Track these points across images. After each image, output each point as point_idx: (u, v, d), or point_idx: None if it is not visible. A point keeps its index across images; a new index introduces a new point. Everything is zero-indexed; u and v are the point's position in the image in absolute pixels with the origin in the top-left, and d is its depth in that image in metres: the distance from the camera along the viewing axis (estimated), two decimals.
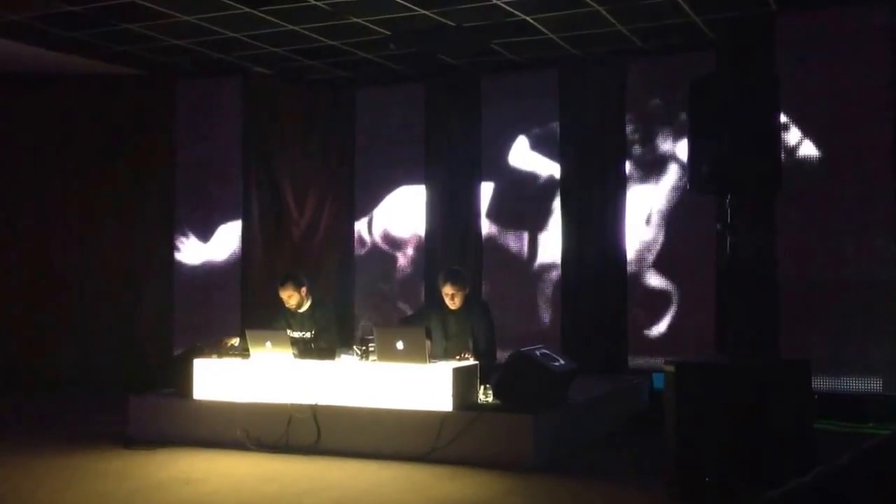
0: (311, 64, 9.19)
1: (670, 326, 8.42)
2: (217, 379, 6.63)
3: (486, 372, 6.39)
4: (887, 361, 7.19)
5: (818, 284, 7.39)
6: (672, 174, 8.40)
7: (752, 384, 4.79)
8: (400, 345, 6.12)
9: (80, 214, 9.73)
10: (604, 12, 7.51)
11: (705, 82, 5.22)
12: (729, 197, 5.06)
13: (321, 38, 8.32)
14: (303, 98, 9.82)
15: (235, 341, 7.01)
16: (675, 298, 8.43)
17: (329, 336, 7.14)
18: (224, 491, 5.26)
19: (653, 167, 8.57)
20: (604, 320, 8.73)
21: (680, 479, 4.88)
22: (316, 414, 6.19)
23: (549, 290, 8.98)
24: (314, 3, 7.31)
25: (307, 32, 8.13)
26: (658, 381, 7.18)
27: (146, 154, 9.77)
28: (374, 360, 6.30)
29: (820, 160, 7.44)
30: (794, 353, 7.30)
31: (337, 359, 6.60)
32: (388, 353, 6.18)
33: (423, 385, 6.04)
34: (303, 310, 7.24)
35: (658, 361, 7.87)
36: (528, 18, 7.66)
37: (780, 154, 5.06)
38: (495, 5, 7.32)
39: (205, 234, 9.58)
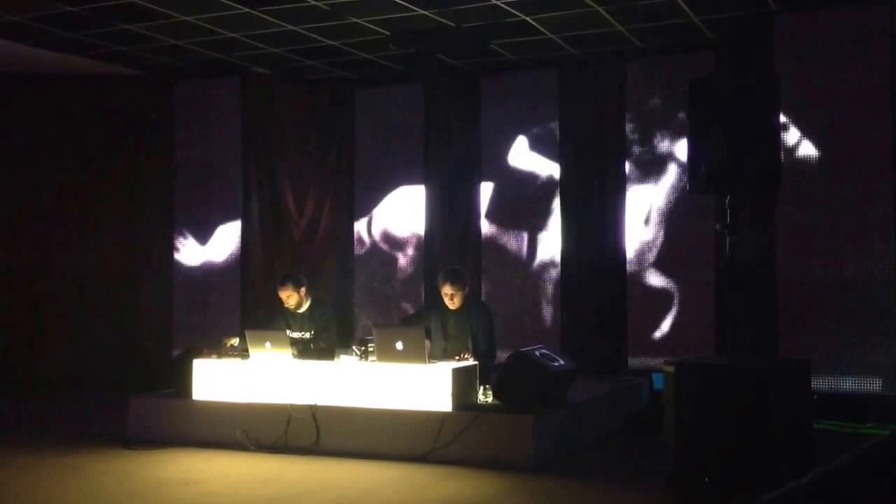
0: (311, 64, 9.19)
1: (670, 326, 8.42)
2: (216, 379, 6.63)
3: (486, 372, 6.39)
4: (887, 361, 7.18)
5: (818, 284, 7.39)
6: (671, 174, 8.40)
7: (751, 384, 4.79)
8: (399, 345, 6.12)
9: (79, 214, 9.73)
10: (603, 12, 7.51)
11: (704, 82, 5.22)
12: (728, 197, 5.06)
13: (320, 39, 8.32)
14: (302, 98, 9.81)
15: (235, 341, 7.01)
16: (674, 298, 8.42)
17: (328, 336, 7.15)
18: (223, 491, 5.26)
19: (652, 167, 8.57)
20: (603, 320, 8.72)
21: (679, 480, 4.88)
22: (315, 414, 6.18)
23: (548, 290, 8.97)
24: (313, 3, 7.31)
25: (306, 32, 8.13)
26: (658, 382, 7.19)
27: (145, 154, 9.77)
28: (374, 361, 6.30)
29: (819, 160, 7.44)
30: (794, 353, 7.30)
31: (336, 359, 6.60)
32: (387, 354, 6.17)
33: (422, 385, 6.04)
34: (302, 310, 7.24)
35: (658, 361, 7.88)
36: (527, 19, 7.66)
37: (780, 154, 5.06)
38: (495, 5, 7.32)
39: (204, 234, 9.57)
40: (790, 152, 7.39)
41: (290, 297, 7.18)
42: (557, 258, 8.95)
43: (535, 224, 9.08)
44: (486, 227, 9.29)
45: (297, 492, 5.22)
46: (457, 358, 6.44)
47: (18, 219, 9.71)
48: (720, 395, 4.78)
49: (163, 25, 7.91)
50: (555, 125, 9.04)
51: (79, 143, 9.72)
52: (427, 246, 9.52)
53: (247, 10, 7.47)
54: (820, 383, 7.02)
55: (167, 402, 6.76)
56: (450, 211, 9.47)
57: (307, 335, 7.07)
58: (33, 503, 5.07)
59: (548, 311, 8.96)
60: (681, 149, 8.18)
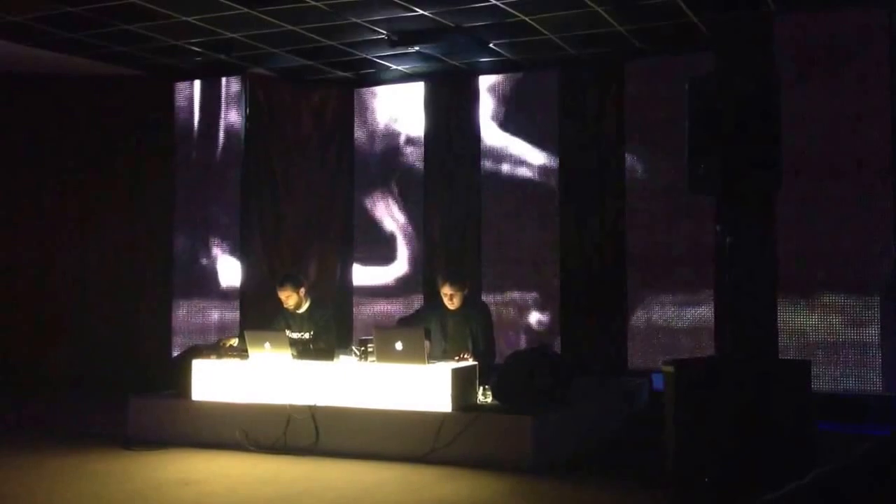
0: (310, 64, 9.18)
1: (669, 327, 8.41)
2: (216, 380, 6.63)
3: (486, 372, 6.39)
4: (887, 361, 7.18)
5: (817, 284, 7.39)
6: (671, 174, 8.38)
7: (751, 384, 4.79)
8: (399, 345, 6.12)
9: (79, 215, 9.73)
10: (603, 13, 7.50)
11: (704, 82, 5.22)
12: (728, 197, 5.05)
13: (320, 39, 8.32)
14: (302, 98, 9.81)
15: (234, 341, 7.01)
16: (674, 299, 8.42)
17: (328, 337, 7.14)
18: (222, 491, 5.26)
19: (652, 167, 8.56)
20: (604, 320, 8.72)
21: (679, 480, 4.88)
22: (314, 415, 6.18)
23: (548, 290, 8.97)
24: (313, 3, 7.31)
25: (306, 33, 8.13)
26: (657, 382, 7.18)
27: (145, 154, 9.77)
28: (373, 361, 6.30)
29: (820, 160, 7.43)
30: (794, 353, 7.30)
31: (335, 359, 6.60)
32: (386, 354, 6.17)
33: (421, 386, 6.04)
34: (301, 310, 7.24)
35: (657, 362, 7.88)
36: (527, 19, 7.66)
37: (780, 154, 5.05)
38: (494, 6, 7.32)
39: (204, 234, 9.57)
40: (790, 152, 7.38)
41: (290, 298, 7.18)
42: (557, 258, 8.94)
43: (535, 224, 9.07)
44: (485, 227, 9.28)
45: (296, 492, 5.22)
46: (456, 358, 6.43)
47: (19, 219, 9.71)
48: (720, 395, 4.78)
49: (163, 26, 7.91)
50: (554, 125, 9.03)
51: (79, 144, 9.72)
52: (427, 246, 9.51)
53: (246, 10, 7.47)
54: (819, 383, 7.01)
55: (166, 403, 6.75)
56: (450, 210, 9.47)
57: (306, 336, 7.07)
58: (33, 503, 5.06)
59: (548, 311, 8.96)
60: (681, 149, 8.16)
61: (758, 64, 7.68)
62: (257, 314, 8.80)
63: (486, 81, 9.34)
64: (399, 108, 9.71)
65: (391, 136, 9.74)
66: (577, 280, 8.86)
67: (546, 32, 8.03)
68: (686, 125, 5.14)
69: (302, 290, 7.20)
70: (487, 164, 9.30)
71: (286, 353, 6.51)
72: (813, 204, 7.43)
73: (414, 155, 9.65)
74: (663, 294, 8.45)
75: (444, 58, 8.83)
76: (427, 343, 6.26)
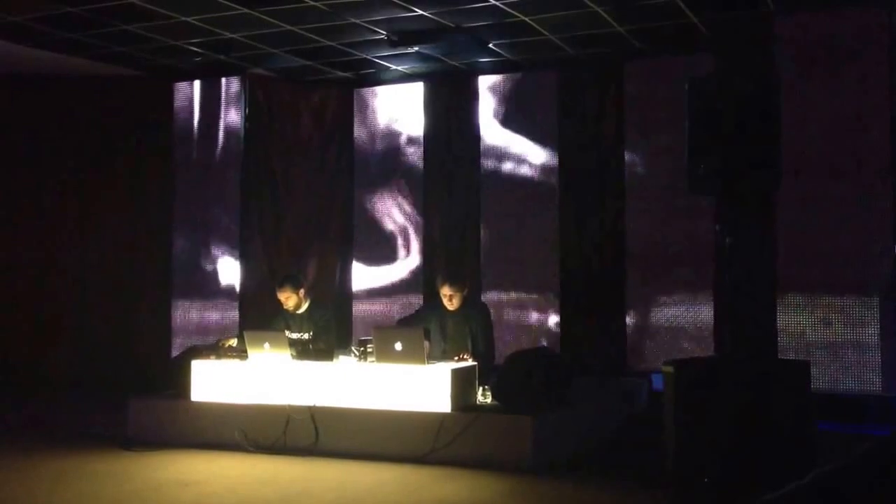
0: (310, 64, 9.18)
1: (669, 327, 8.41)
2: (215, 380, 6.63)
3: (485, 373, 6.38)
4: (886, 362, 7.18)
5: (817, 284, 7.39)
6: (671, 174, 8.37)
7: (751, 384, 4.79)
8: (398, 346, 6.12)
9: (78, 215, 9.73)
10: (602, 13, 7.50)
11: (703, 82, 5.21)
12: (727, 197, 5.05)
13: (320, 39, 8.32)
14: (301, 98, 9.81)
15: (234, 342, 7.01)
16: (674, 299, 8.41)
17: (327, 337, 7.14)
18: (222, 492, 5.25)
19: (652, 167, 8.56)
20: (603, 320, 8.72)
21: (679, 480, 4.87)
22: (314, 415, 6.18)
23: (548, 291, 8.96)
24: (312, 3, 7.31)
25: (306, 33, 8.13)
26: (657, 382, 7.18)
27: (145, 155, 9.77)
28: (373, 362, 6.29)
29: (819, 160, 7.43)
30: (794, 353, 7.30)
31: (335, 360, 6.59)
32: (386, 355, 6.17)
33: (421, 386, 6.04)
34: (301, 311, 7.24)
35: (657, 362, 7.88)
36: (526, 19, 7.66)
37: (779, 154, 5.05)
38: (494, 6, 7.32)
39: (203, 234, 9.56)
40: (790, 152, 7.37)
41: (290, 299, 7.18)
42: (557, 258, 8.94)
43: (535, 224, 9.06)
44: (485, 227, 9.28)
45: (295, 492, 5.22)
46: (456, 359, 6.43)
47: (19, 219, 9.71)
48: (719, 395, 4.78)
49: (162, 26, 7.91)
50: (554, 125, 9.03)
51: (79, 144, 9.72)
52: (426, 246, 9.51)
53: (246, 10, 7.46)
54: (819, 383, 7.01)
55: (166, 404, 6.74)
56: (449, 210, 9.46)
57: (306, 336, 7.07)
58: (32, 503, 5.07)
59: (547, 312, 8.95)
60: (680, 149, 8.16)
61: (757, 64, 7.69)
62: (257, 314, 8.79)
63: (485, 82, 9.33)
64: (399, 109, 9.71)
65: (391, 136, 9.74)
66: (576, 280, 8.86)
67: (545, 33, 8.03)
68: (686, 125, 5.14)
69: (301, 291, 7.20)
70: (487, 164, 9.30)
71: (285, 354, 6.51)
72: (812, 204, 7.42)
73: (414, 155, 9.65)
74: (663, 294, 8.44)
75: (443, 58, 8.83)
76: (426, 343, 6.26)
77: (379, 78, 9.59)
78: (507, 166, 9.21)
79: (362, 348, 6.42)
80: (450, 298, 6.80)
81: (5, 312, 9.54)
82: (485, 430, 5.80)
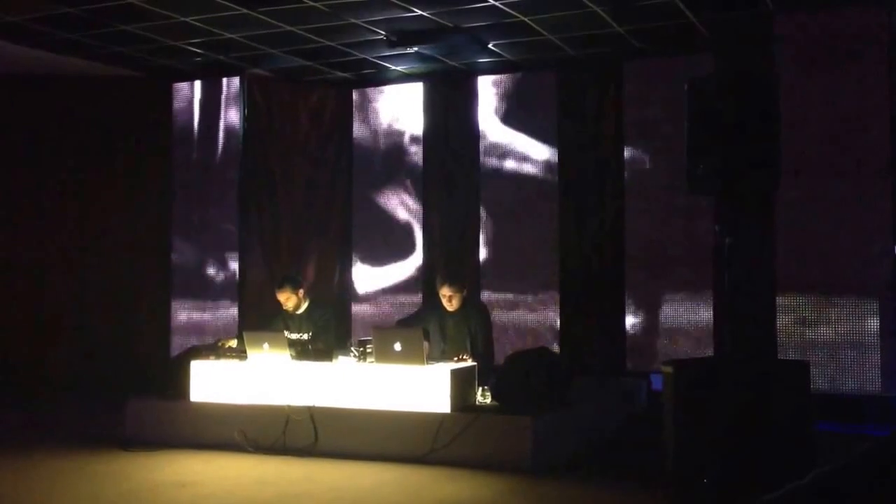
0: (309, 65, 9.18)
1: (669, 327, 8.41)
2: (214, 381, 6.62)
3: (484, 373, 6.38)
4: (886, 362, 7.18)
5: (816, 284, 7.38)
6: (670, 174, 8.37)
7: (750, 385, 4.78)
8: (397, 346, 6.11)
9: (78, 215, 9.71)
10: (601, 13, 7.50)
11: (703, 82, 5.21)
12: (727, 197, 5.05)
13: (319, 39, 8.31)
14: (301, 99, 9.81)
15: (234, 343, 6.99)
16: (673, 299, 8.41)
17: (326, 338, 7.13)
18: (221, 493, 5.25)
19: (651, 167, 8.56)
20: (603, 320, 8.72)
21: (679, 480, 4.87)
22: (313, 416, 6.17)
23: (547, 291, 8.96)
24: (312, 4, 7.30)
25: (305, 33, 8.12)
26: (656, 382, 7.17)
27: (144, 155, 9.76)
28: (372, 362, 6.29)
29: (819, 160, 7.43)
30: (793, 353, 7.30)
31: (334, 360, 6.59)
32: (385, 355, 6.16)
33: (420, 386, 6.03)
34: (300, 311, 7.23)
35: (656, 362, 7.88)
36: (525, 19, 7.65)
37: (779, 154, 5.05)
38: (493, 6, 7.31)
39: (202, 235, 9.56)
40: (789, 152, 7.38)
41: (289, 299, 7.17)
42: (557, 258, 8.94)
43: (535, 224, 9.07)
44: (485, 227, 9.28)
45: (295, 493, 5.21)
46: (455, 359, 6.42)
47: (19, 219, 9.70)
48: (719, 395, 4.78)
49: (161, 26, 7.90)
50: (554, 125, 9.03)
51: (78, 144, 9.71)
52: (426, 246, 9.51)
53: (246, 10, 7.46)
54: (818, 384, 7.01)
55: (165, 404, 6.73)
56: (448, 210, 9.46)
57: (305, 336, 7.06)
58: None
59: (547, 312, 8.95)
60: (679, 149, 8.16)
61: (757, 64, 7.68)
62: (256, 315, 8.79)
63: (485, 82, 9.33)
64: (398, 109, 9.71)
65: (390, 136, 9.73)
66: (576, 280, 8.86)
67: (545, 33, 8.03)
68: (685, 125, 5.14)
69: (301, 291, 7.20)
70: (486, 164, 9.30)
71: (285, 354, 6.50)
72: (812, 204, 7.42)
73: (413, 156, 9.64)
74: (662, 294, 8.44)
75: (442, 58, 8.83)
76: (426, 344, 6.26)
77: (378, 78, 9.58)
78: (507, 166, 9.21)
79: (362, 349, 6.41)
80: (449, 299, 6.79)
81: (5, 312, 9.53)
82: (484, 431, 5.80)
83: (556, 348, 8.53)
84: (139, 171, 9.77)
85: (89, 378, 9.26)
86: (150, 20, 7.73)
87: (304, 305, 7.24)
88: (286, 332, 6.91)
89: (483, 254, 9.26)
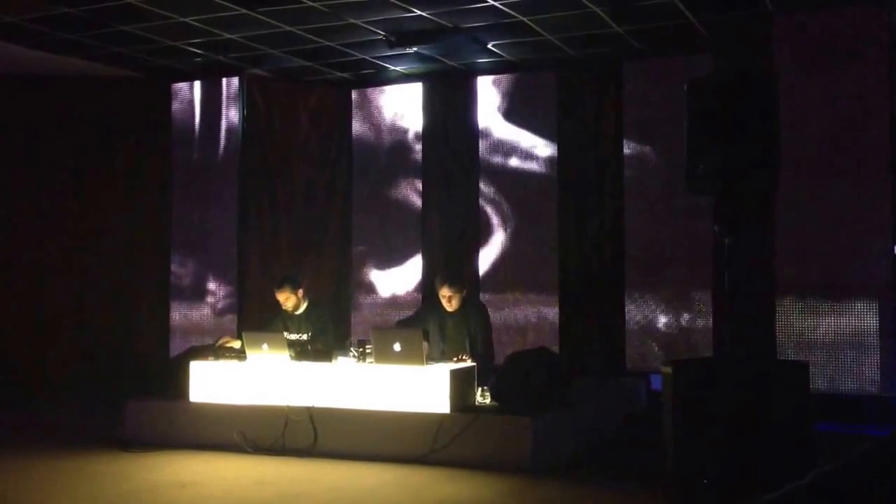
0: (308, 65, 9.17)
1: (668, 327, 8.41)
2: (213, 381, 6.61)
3: (484, 373, 6.38)
4: (885, 362, 7.17)
5: (816, 284, 7.38)
6: (670, 174, 8.37)
7: (749, 385, 4.78)
8: (397, 346, 6.11)
9: (78, 215, 9.71)
10: (601, 14, 7.50)
11: (702, 82, 5.21)
12: (726, 197, 5.04)
13: (318, 40, 8.31)
14: (300, 99, 9.80)
15: (237, 343, 6.97)
16: (673, 299, 8.41)
17: (325, 338, 7.13)
18: (220, 493, 5.24)
19: (651, 167, 8.56)
20: (602, 320, 8.72)
21: (678, 481, 4.87)
22: (312, 416, 6.17)
23: (546, 291, 8.96)
24: (311, 4, 7.30)
25: (304, 34, 8.12)
26: (656, 382, 7.17)
27: (144, 155, 9.76)
28: (371, 362, 6.28)
29: (819, 160, 7.43)
30: (793, 353, 7.30)
31: (333, 361, 6.59)
32: (385, 355, 6.16)
33: (420, 387, 6.03)
34: (299, 312, 7.23)
35: (656, 362, 7.88)
36: (525, 20, 7.65)
37: (778, 154, 5.05)
38: (493, 6, 7.31)
39: (202, 235, 9.55)
40: (787, 152, 7.37)
41: (288, 300, 7.17)
42: (556, 258, 8.94)
43: (534, 224, 9.07)
44: (484, 227, 9.28)
45: (294, 493, 5.21)
46: (455, 359, 6.42)
47: (19, 219, 9.69)
48: (718, 396, 4.77)
49: (161, 27, 7.90)
50: (553, 126, 9.03)
51: (78, 144, 9.70)
52: (425, 245, 9.51)
53: (245, 11, 7.45)
54: (818, 384, 7.00)
55: (164, 405, 6.73)
56: (448, 210, 9.46)
57: (304, 337, 7.06)
58: None
59: (546, 312, 8.95)
60: (679, 149, 8.16)
61: (756, 64, 7.68)
62: (255, 315, 8.78)
63: (484, 82, 9.33)
64: (397, 109, 9.71)
65: (389, 136, 9.73)
66: (575, 280, 8.85)
67: (544, 33, 8.02)
68: (685, 125, 5.13)
69: (300, 292, 7.19)
70: (486, 164, 9.30)
71: (284, 355, 6.50)
72: (812, 204, 7.42)
73: (412, 156, 9.64)
74: (662, 294, 8.44)
75: (442, 58, 8.83)
76: (425, 344, 6.25)
77: (378, 78, 9.58)
78: (506, 167, 9.21)
79: (361, 349, 6.41)
80: (448, 299, 6.79)
81: (5, 312, 9.53)
82: (484, 431, 5.80)
83: (555, 348, 8.52)
84: (139, 171, 9.77)
85: (89, 378, 9.25)
86: (149, 20, 7.72)
87: (304, 306, 7.24)
88: (285, 333, 6.91)
89: (482, 254, 9.26)
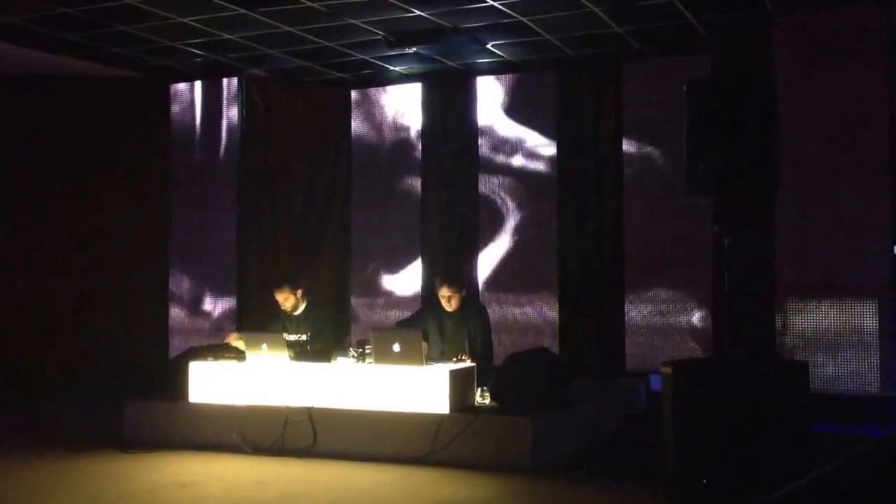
0: (308, 65, 9.17)
1: (668, 327, 8.40)
2: (213, 382, 6.61)
3: (483, 374, 6.38)
4: (885, 362, 7.17)
5: (815, 284, 7.38)
6: (669, 174, 8.37)
7: (749, 385, 4.78)
8: (396, 347, 6.11)
9: (78, 215, 9.70)
10: (600, 14, 7.49)
11: (702, 83, 5.21)
12: (726, 197, 5.04)
13: (317, 40, 8.31)
14: (299, 99, 9.80)
15: (241, 344, 6.95)
16: (672, 299, 8.41)
17: (325, 339, 7.12)
18: (219, 494, 5.24)
19: (650, 167, 8.56)
20: (602, 320, 8.71)
21: (678, 481, 4.86)
22: (312, 417, 6.16)
23: (546, 291, 8.95)
24: (311, 4, 7.29)
25: (303, 34, 8.11)
26: (655, 383, 7.17)
27: (144, 156, 9.75)
28: (371, 363, 6.28)
29: (818, 160, 7.42)
30: (792, 353, 7.29)
31: (333, 361, 6.58)
32: (384, 356, 6.16)
33: (419, 387, 6.02)
34: (298, 312, 7.22)
35: (656, 362, 7.87)
36: (524, 20, 7.65)
37: (777, 154, 5.04)
38: (492, 7, 7.31)
39: (201, 235, 9.55)
40: (788, 152, 7.37)
41: (287, 300, 7.17)
42: (556, 258, 8.94)
43: (534, 223, 9.07)
44: (483, 227, 9.28)
45: (293, 494, 5.21)
46: (454, 360, 6.42)
47: (19, 219, 9.69)
48: (718, 396, 4.77)
49: (159, 27, 7.89)
50: (553, 126, 9.03)
51: (78, 144, 9.70)
52: (424, 246, 9.50)
53: (244, 11, 7.45)
54: (818, 384, 7.00)
55: (163, 405, 6.72)
56: (447, 210, 9.46)
57: (304, 337, 7.05)
58: None
59: (546, 312, 8.94)
60: (679, 149, 8.16)
61: (756, 64, 7.68)
62: (254, 315, 8.78)
63: (483, 82, 9.33)
64: (396, 109, 9.71)
65: (389, 136, 9.73)
66: (575, 280, 8.85)
67: (544, 33, 8.02)
68: (685, 126, 5.13)
69: (299, 292, 7.19)
70: (485, 164, 9.29)
71: (283, 355, 6.49)
72: (812, 204, 7.42)
73: (412, 156, 9.64)
74: (661, 294, 8.44)
75: (441, 59, 8.83)
76: (425, 345, 6.25)
77: (377, 78, 9.58)
78: (506, 167, 9.21)
79: (360, 349, 6.41)
80: (448, 300, 6.79)
81: (5, 312, 9.53)
82: (483, 431, 5.79)
83: (555, 348, 8.52)
84: (139, 172, 9.76)
85: (89, 378, 9.25)
86: (148, 21, 7.72)
87: (302, 306, 7.23)
88: (284, 334, 6.90)
89: (482, 254, 9.26)
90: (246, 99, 9.48)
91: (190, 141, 9.63)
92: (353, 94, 9.85)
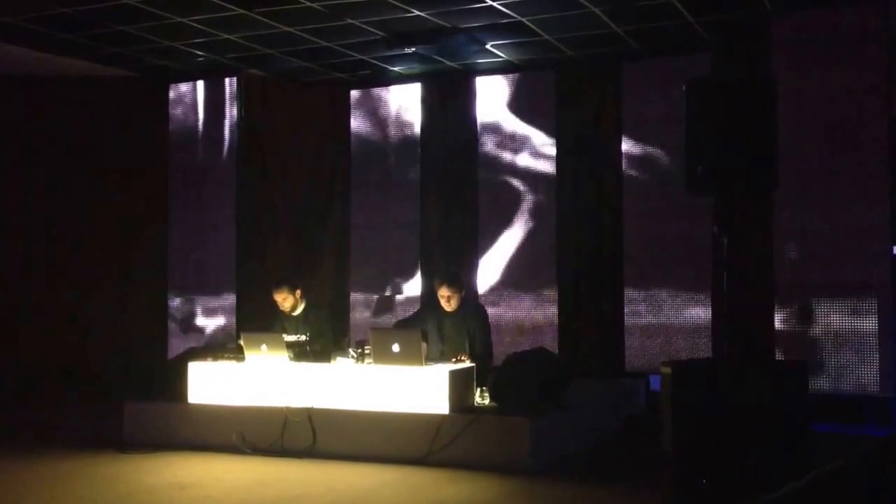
0: (307, 66, 9.16)
1: (667, 327, 8.40)
2: (212, 382, 6.60)
3: (483, 374, 6.37)
4: (885, 362, 7.16)
5: (815, 285, 7.38)
6: (668, 175, 8.37)
7: (748, 385, 4.77)
8: (396, 347, 6.10)
9: (77, 216, 9.70)
10: (600, 14, 7.49)
11: (701, 83, 5.20)
12: (725, 197, 5.03)
13: (317, 40, 8.30)
14: (298, 99, 9.79)
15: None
16: (672, 299, 8.41)
17: (324, 339, 7.12)
18: (219, 495, 5.23)
19: (649, 167, 8.56)
20: (601, 321, 8.71)
21: (677, 482, 4.85)
22: (311, 417, 6.16)
23: (545, 291, 8.95)
24: (309, 4, 7.29)
25: (303, 34, 8.11)
26: (655, 383, 7.16)
27: (142, 156, 9.75)
28: (370, 363, 6.28)
29: (818, 160, 7.42)
30: (792, 353, 7.29)
31: (332, 361, 6.58)
32: (384, 356, 6.15)
33: (419, 388, 6.02)
34: (297, 312, 7.22)
35: (655, 362, 7.87)
36: (524, 20, 7.64)
37: (777, 154, 5.04)
38: (491, 7, 7.30)
39: (200, 236, 9.54)
40: (788, 152, 7.37)
41: (286, 301, 7.16)
42: (555, 258, 8.93)
43: (533, 223, 9.06)
44: (483, 227, 9.27)
45: (293, 495, 5.20)
46: (454, 360, 6.42)
47: (17, 219, 9.69)
48: (717, 396, 4.76)
49: (158, 27, 7.89)
50: (552, 125, 9.02)
51: (77, 145, 9.70)
52: (424, 246, 9.50)
53: (243, 11, 7.44)
54: (817, 385, 7.00)
55: (162, 406, 6.72)
56: (446, 210, 9.45)
57: (303, 338, 7.05)
58: None
59: (545, 312, 8.94)
60: (678, 149, 8.15)
61: (756, 64, 7.68)
62: (254, 316, 8.77)
63: (483, 82, 9.33)
64: (396, 109, 9.71)
65: (388, 136, 9.73)
66: (574, 281, 8.85)
67: (543, 33, 8.02)
68: (684, 126, 5.12)
69: (298, 293, 7.19)
70: (485, 164, 9.29)
71: (283, 356, 6.49)
72: (811, 204, 7.42)
73: (411, 155, 9.63)
74: (661, 294, 8.44)
75: (440, 59, 8.82)
76: (424, 345, 6.24)
77: (376, 79, 9.58)
78: (506, 166, 9.20)
79: (360, 350, 6.41)
80: (447, 300, 6.78)
81: (4, 313, 9.52)
82: (483, 432, 5.79)
83: (555, 348, 8.52)
84: (138, 172, 9.76)
85: (88, 379, 9.24)
86: (148, 21, 7.71)
87: (301, 307, 7.23)
88: (284, 334, 6.90)
89: (482, 254, 9.25)
90: (246, 99, 9.47)
91: (190, 141, 9.63)
92: (353, 94, 9.85)
